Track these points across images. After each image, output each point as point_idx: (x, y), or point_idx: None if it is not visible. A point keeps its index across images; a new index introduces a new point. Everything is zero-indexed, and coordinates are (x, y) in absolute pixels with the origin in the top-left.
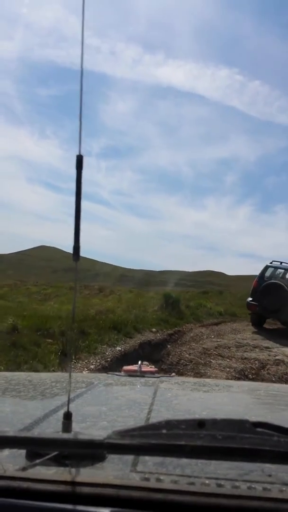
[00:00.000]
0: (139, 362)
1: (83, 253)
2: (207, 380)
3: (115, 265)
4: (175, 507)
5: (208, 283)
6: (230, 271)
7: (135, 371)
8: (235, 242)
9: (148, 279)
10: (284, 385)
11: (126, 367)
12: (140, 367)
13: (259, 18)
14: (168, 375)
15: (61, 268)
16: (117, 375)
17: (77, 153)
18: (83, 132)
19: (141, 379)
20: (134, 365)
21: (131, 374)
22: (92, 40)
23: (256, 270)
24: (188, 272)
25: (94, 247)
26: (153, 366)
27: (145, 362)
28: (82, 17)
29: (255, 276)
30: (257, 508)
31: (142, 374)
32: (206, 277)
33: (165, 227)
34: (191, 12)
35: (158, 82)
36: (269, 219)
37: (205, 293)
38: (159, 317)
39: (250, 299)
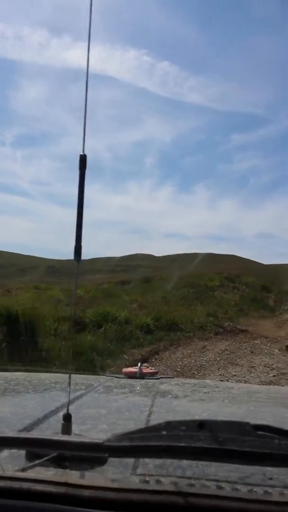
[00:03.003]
0: (139, 364)
1: (2, 247)
2: (208, 381)
3: (42, 258)
4: (175, 510)
5: (137, 267)
6: (158, 252)
7: (134, 373)
8: (160, 223)
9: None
10: (285, 387)
11: (125, 369)
12: (139, 369)
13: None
14: (168, 376)
15: None
16: (116, 377)
17: (81, 153)
18: None
19: (141, 381)
20: (134, 367)
21: (130, 376)
22: None
23: (182, 249)
24: (118, 257)
25: (17, 241)
26: (153, 368)
27: (145, 364)
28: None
29: (183, 255)
30: (257, 511)
31: (141, 376)
32: (136, 261)
33: (91, 214)
34: None
35: (68, 65)
36: (190, 199)
37: (124, 283)
38: None
39: None
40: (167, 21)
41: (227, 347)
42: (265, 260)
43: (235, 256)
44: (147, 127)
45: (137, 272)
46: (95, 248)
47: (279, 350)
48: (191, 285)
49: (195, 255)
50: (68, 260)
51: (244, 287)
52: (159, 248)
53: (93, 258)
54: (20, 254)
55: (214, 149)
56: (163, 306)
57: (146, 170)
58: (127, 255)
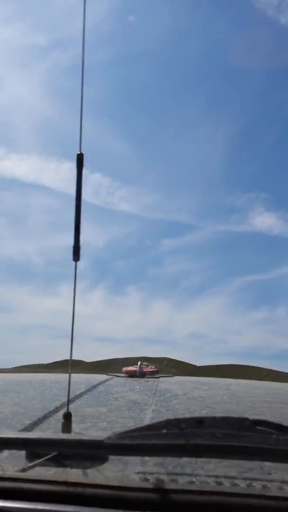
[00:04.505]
0: (139, 363)
1: None
2: (206, 379)
3: None
4: (175, 507)
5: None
6: (89, 358)
7: (135, 371)
8: (92, 327)
9: None
10: (283, 384)
11: (126, 368)
12: (139, 367)
13: (94, 118)
14: (168, 375)
15: None
16: (117, 375)
17: (77, 152)
18: None
19: (141, 380)
20: (134, 366)
21: (131, 374)
22: None
23: (114, 353)
24: (44, 364)
25: None
26: (153, 366)
27: (145, 363)
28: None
29: (113, 359)
30: (256, 506)
31: (142, 374)
32: (63, 368)
33: (17, 319)
34: (31, 111)
35: (1, 174)
36: (122, 301)
37: None
38: None
39: None
40: (100, 136)
41: None
42: (198, 361)
43: (169, 358)
44: (80, 232)
45: None
46: (20, 355)
47: None
48: None
49: (127, 359)
50: None
51: None
52: (90, 353)
53: (17, 367)
54: None
55: (145, 253)
56: None
57: (78, 273)
58: (55, 361)
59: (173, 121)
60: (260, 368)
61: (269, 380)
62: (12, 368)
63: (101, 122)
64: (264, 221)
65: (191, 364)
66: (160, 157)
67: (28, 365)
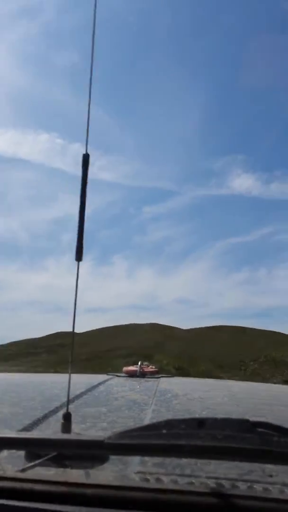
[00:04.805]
0: (139, 363)
1: None
2: (207, 380)
3: None
4: (175, 507)
5: (59, 346)
6: (80, 329)
7: (135, 371)
8: (81, 299)
9: None
10: (283, 386)
11: (126, 368)
12: (140, 367)
13: (70, 84)
14: (168, 375)
15: None
16: (117, 375)
17: (83, 152)
18: None
19: (141, 380)
20: (135, 366)
21: (131, 374)
22: None
23: (104, 323)
24: (38, 338)
25: None
26: (153, 367)
27: (145, 363)
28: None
29: (104, 329)
30: (257, 509)
31: (142, 374)
32: (57, 340)
33: (7, 296)
34: (3, 81)
35: None
36: (108, 271)
37: None
38: None
39: None
40: (77, 106)
41: None
42: (185, 325)
43: (157, 324)
44: (62, 204)
45: (60, 352)
46: (12, 331)
47: None
48: None
49: (117, 327)
50: None
51: None
52: (81, 324)
53: (11, 342)
54: None
55: (128, 221)
56: None
57: (63, 246)
58: (48, 335)
59: (148, 88)
60: (251, 328)
61: (259, 338)
62: (7, 343)
63: (77, 90)
64: (242, 183)
65: (178, 328)
66: (137, 124)
67: (22, 339)
